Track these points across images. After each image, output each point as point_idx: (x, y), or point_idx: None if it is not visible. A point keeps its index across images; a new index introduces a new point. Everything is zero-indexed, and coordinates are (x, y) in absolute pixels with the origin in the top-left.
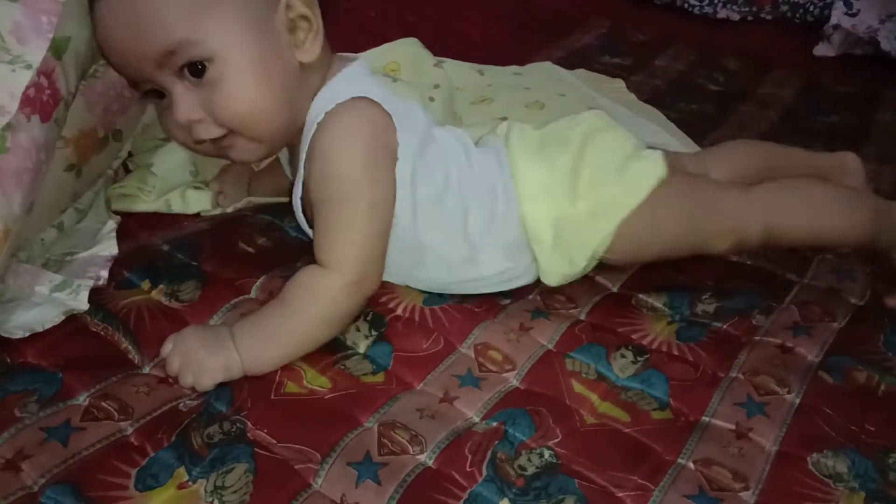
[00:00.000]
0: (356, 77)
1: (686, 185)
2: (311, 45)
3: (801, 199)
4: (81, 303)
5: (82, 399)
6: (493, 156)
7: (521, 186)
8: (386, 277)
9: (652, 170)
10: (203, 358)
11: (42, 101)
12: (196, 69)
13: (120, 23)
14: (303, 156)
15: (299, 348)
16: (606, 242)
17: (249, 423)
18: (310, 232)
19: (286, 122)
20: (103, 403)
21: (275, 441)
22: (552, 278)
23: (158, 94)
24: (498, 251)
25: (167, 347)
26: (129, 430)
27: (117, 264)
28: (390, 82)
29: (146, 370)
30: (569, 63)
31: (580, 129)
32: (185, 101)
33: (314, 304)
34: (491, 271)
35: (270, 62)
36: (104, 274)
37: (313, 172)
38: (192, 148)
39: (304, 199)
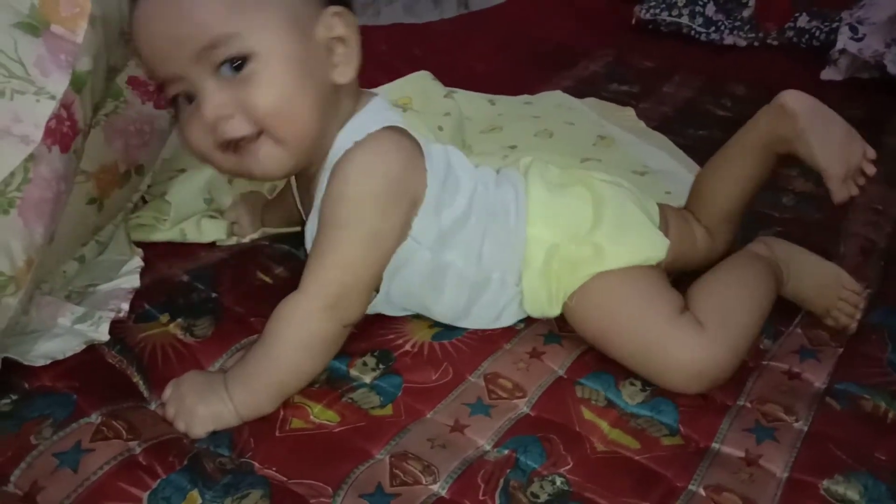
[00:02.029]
0: (381, 109)
1: (660, 286)
2: (346, 68)
3: (752, 307)
4: (102, 334)
5: (94, 417)
6: (510, 183)
7: (532, 210)
8: (409, 306)
9: (648, 247)
10: (193, 406)
11: (62, 132)
12: (234, 64)
13: (164, 13)
14: (321, 186)
15: (288, 385)
16: (573, 288)
17: (256, 464)
18: None
19: (315, 131)
20: (113, 422)
21: (285, 478)
22: (529, 305)
23: (187, 99)
24: (508, 272)
25: (167, 392)
26: (138, 450)
27: (138, 296)
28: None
29: (153, 406)
30: (577, 92)
31: (604, 183)
32: (217, 96)
33: (292, 335)
34: (501, 297)
35: (307, 67)
36: (125, 306)
37: (329, 192)
38: (213, 160)
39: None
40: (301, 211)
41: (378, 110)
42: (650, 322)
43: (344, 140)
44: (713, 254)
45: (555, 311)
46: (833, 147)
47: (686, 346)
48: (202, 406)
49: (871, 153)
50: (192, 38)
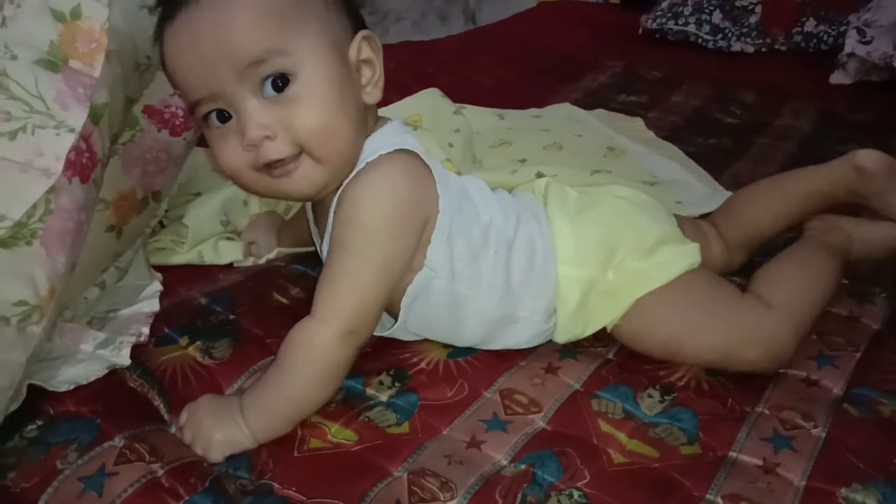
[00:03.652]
0: (396, 132)
1: (713, 281)
2: (374, 90)
3: (814, 288)
4: (124, 359)
5: (118, 440)
6: (530, 213)
7: (559, 248)
8: (431, 336)
9: (683, 256)
10: (210, 432)
11: (82, 163)
12: (278, 83)
13: (211, 27)
14: (334, 205)
15: (304, 410)
16: (621, 313)
17: (276, 485)
18: None
19: (353, 150)
20: (136, 445)
21: (304, 498)
22: (561, 337)
23: (220, 118)
24: (537, 310)
25: (183, 417)
26: (160, 472)
27: (158, 320)
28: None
29: (173, 429)
30: (586, 104)
31: (620, 201)
32: (261, 116)
33: (308, 362)
34: (528, 331)
35: (346, 88)
36: (145, 330)
37: (340, 215)
38: (245, 180)
39: None
40: (316, 233)
41: (392, 133)
42: (722, 310)
43: (361, 159)
44: (729, 267)
45: (586, 335)
46: None
47: (758, 320)
48: (219, 432)
49: None
50: (240, 51)
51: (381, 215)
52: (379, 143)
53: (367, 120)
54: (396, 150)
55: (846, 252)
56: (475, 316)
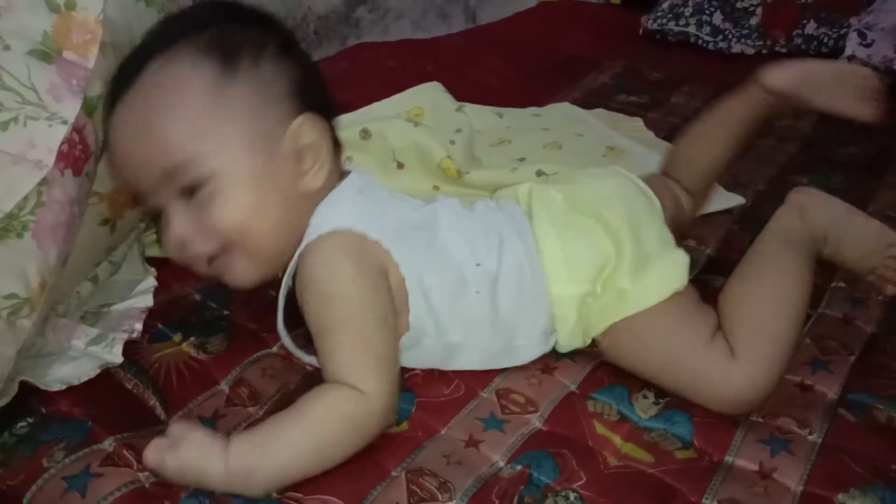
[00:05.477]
0: (343, 200)
1: (684, 317)
2: (315, 175)
3: (786, 314)
4: (116, 356)
5: (107, 444)
6: (514, 230)
7: (549, 267)
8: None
9: (669, 278)
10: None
11: (74, 155)
12: (191, 189)
13: (127, 140)
14: (285, 280)
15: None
16: (600, 332)
17: None
18: (298, 353)
19: (283, 242)
20: (125, 452)
21: (301, 495)
22: (564, 349)
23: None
24: (534, 334)
25: (150, 458)
26: (147, 484)
27: (151, 316)
28: (384, 189)
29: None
30: (586, 103)
31: (609, 210)
32: (180, 218)
33: (352, 434)
34: (528, 354)
35: (270, 182)
36: (138, 326)
37: (309, 301)
38: (195, 269)
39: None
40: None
41: (338, 202)
42: (678, 359)
43: (306, 239)
44: (696, 211)
45: (585, 345)
46: (839, 92)
47: (716, 379)
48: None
49: (865, 71)
50: (154, 161)
51: (348, 283)
52: (322, 217)
53: (314, 203)
54: (334, 231)
55: (817, 243)
56: (472, 355)
